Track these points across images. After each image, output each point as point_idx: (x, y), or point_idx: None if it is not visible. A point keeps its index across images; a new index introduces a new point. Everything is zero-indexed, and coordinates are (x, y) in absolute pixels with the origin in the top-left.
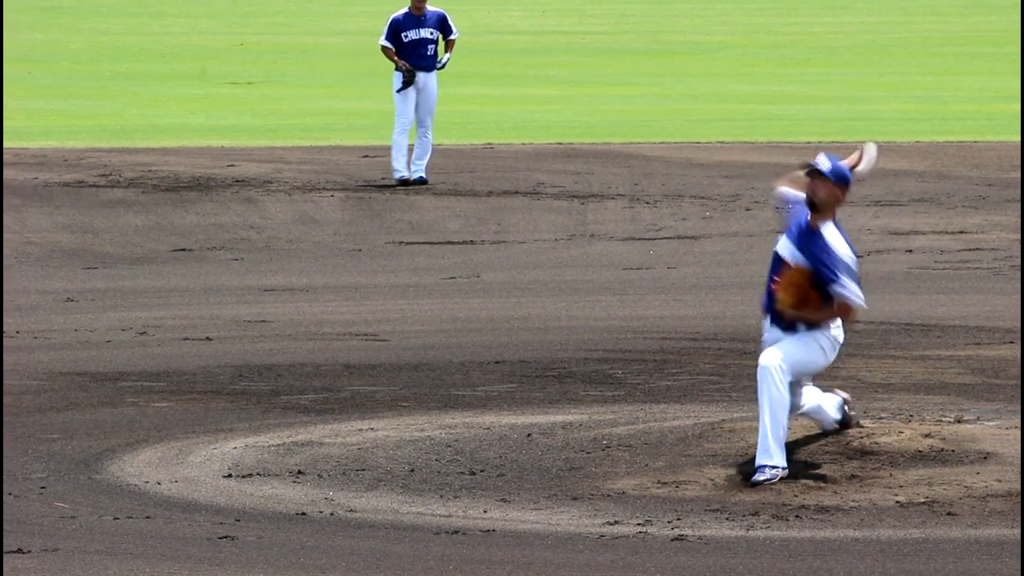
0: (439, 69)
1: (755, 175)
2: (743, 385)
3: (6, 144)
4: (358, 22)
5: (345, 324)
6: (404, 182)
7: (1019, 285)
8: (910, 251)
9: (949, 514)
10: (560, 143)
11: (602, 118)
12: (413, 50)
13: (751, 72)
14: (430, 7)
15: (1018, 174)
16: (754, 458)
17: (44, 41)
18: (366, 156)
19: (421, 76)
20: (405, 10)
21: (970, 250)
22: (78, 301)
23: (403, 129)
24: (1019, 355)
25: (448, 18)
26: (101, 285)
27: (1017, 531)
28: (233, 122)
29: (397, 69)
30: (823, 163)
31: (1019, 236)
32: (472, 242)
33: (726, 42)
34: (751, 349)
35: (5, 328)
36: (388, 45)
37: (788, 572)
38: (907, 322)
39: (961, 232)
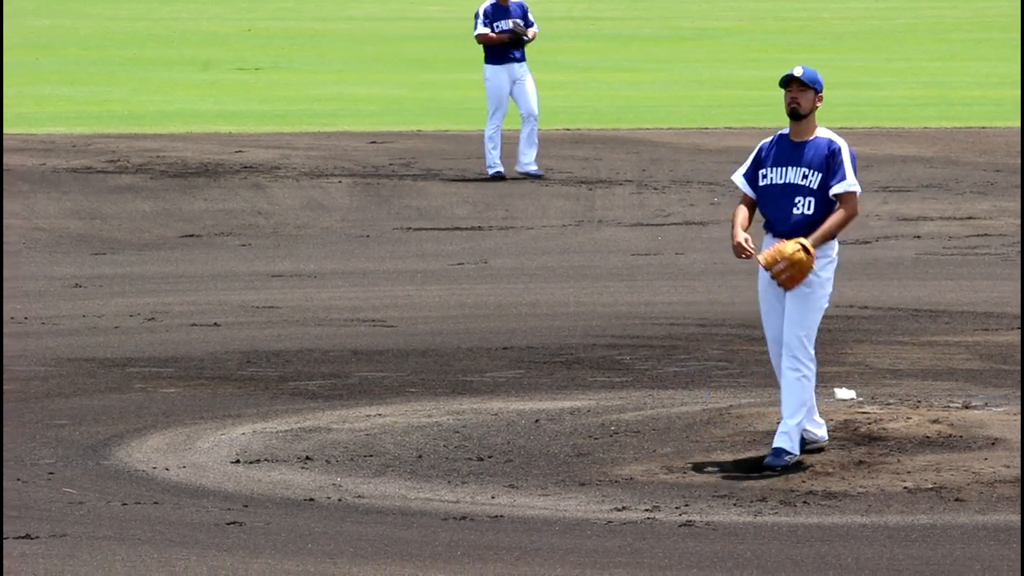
0: (525, 40)
1: None
2: (751, 371)
3: (14, 130)
4: (366, 7)
5: (353, 310)
6: (499, 177)
7: (1021, 271)
8: (918, 237)
9: (957, 500)
10: (568, 129)
11: (610, 104)
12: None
13: (758, 58)
14: None
15: None
16: (765, 441)
17: (52, 27)
18: (374, 142)
19: (514, 68)
20: (492, 2)
21: (978, 236)
22: (86, 287)
23: (498, 124)
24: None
25: (529, 10)
26: (109, 271)
27: None
28: (241, 108)
29: (488, 61)
30: (797, 70)
31: (1020, 222)
32: (480, 228)
33: (734, 28)
34: (759, 335)
35: (14, 314)
36: (484, 31)
37: (796, 558)
38: (915, 308)
39: (969, 218)
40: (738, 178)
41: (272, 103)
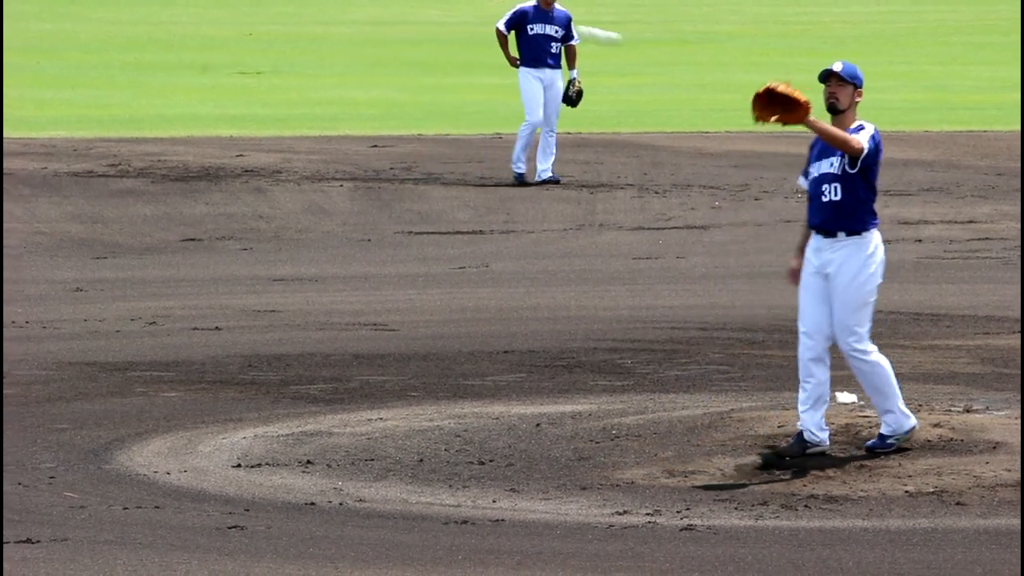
0: (570, 100)
1: (764, 165)
2: (752, 375)
3: (15, 134)
4: (367, 11)
5: (354, 314)
6: (521, 180)
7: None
8: (919, 240)
9: (958, 504)
10: (569, 132)
11: (611, 108)
12: (538, 45)
13: (760, 61)
14: (558, 6)
15: None
16: (772, 446)
17: (53, 31)
18: (375, 146)
19: (547, 74)
20: (533, 3)
21: (979, 239)
22: (87, 291)
23: (532, 129)
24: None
25: (572, 21)
26: (110, 275)
27: None
28: (242, 112)
29: (520, 64)
30: (837, 65)
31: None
32: (481, 232)
33: (735, 31)
34: (760, 339)
35: (15, 318)
36: (503, 30)
37: (797, 562)
38: (916, 312)
39: (970, 222)
40: (800, 180)
41: (273, 107)
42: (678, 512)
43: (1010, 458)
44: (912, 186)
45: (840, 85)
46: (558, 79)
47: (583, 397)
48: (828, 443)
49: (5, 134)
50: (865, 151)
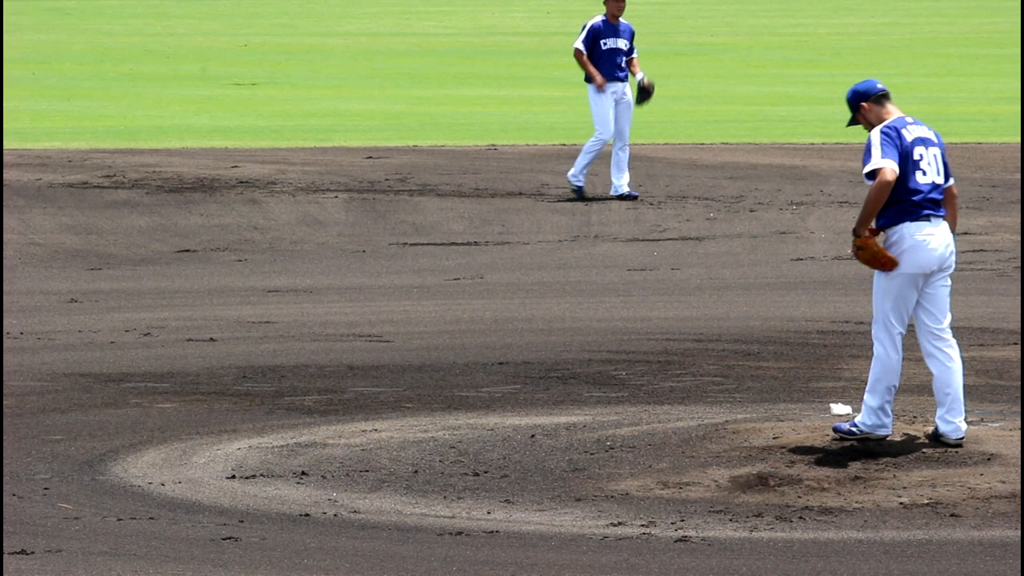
0: (645, 92)
1: (759, 176)
2: (746, 386)
3: (11, 145)
4: (362, 23)
5: (349, 325)
6: (581, 194)
7: (1021, 287)
8: None
9: (953, 515)
10: (564, 144)
11: None
12: (609, 59)
13: (755, 73)
14: (623, 19)
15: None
16: (761, 456)
17: (48, 42)
18: (370, 157)
19: (619, 87)
20: (602, 17)
21: (974, 251)
22: (82, 302)
23: (602, 145)
24: (1021, 356)
25: (634, 34)
26: (105, 286)
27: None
28: (237, 123)
29: (587, 79)
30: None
31: (1019, 238)
32: (476, 243)
33: (731, 43)
34: (755, 351)
35: (9, 329)
36: (582, 49)
37: (791, 573)
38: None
39: (965, 233)
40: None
41: (268, 118)
42: (672, 523)
43: (1005, 470)
44: None
45: (854, 118)
46: (628, 92)
47: (578, 408)
48: (888, 431)
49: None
50: (908, 186)
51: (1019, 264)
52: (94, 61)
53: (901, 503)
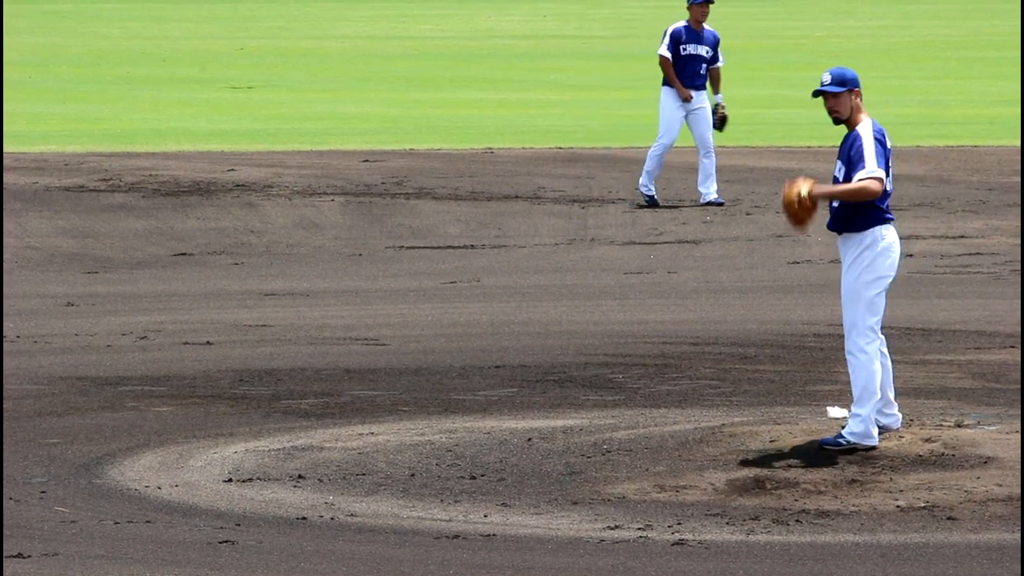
0: (714, 125)
1: (756, 180)
2: (743, 390)
3: (7, 148)
4: (358, 27)
5: (345, 328)
6: (652, 202)
7: (1020, 290)
8: (911, 255)
9: (950, 519)
10: (560, 147)
11: (602, 122)
12: (688, 65)
13: (753, 76)
14: (707, 26)
15: (1019, 178)
16: (758, 459)
17: (45, 45)
18: (366, 160)
19: (694, 95)
20: (684, 23)
21: (971, 254)
22: (78, 306)
23: (665, 149)
24: (1019, 359)
25: (720, 41)
26: (101, 290)
27: (1018, 536)
28: (234, 126)
29: (666, 83)
30: (824, 78)
31: (1019, 241)
32: (472, 246)
33: (728, 46)
34: (752, 354)
35: (6, 333)
36: (667, 55)
37: None
38: (907, 326)
39: (962, 236)
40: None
41: (264, 121)
42: (669, 527)
43: (1001, 473)
44: (903, 201)
45: (834, 97)
46: (705, 99)
47: (574, 412)
48: (896, 426)
49: None
50: (885, 191)
51: (1015, 267)
52: (91, 64)
53: (898, 506)
